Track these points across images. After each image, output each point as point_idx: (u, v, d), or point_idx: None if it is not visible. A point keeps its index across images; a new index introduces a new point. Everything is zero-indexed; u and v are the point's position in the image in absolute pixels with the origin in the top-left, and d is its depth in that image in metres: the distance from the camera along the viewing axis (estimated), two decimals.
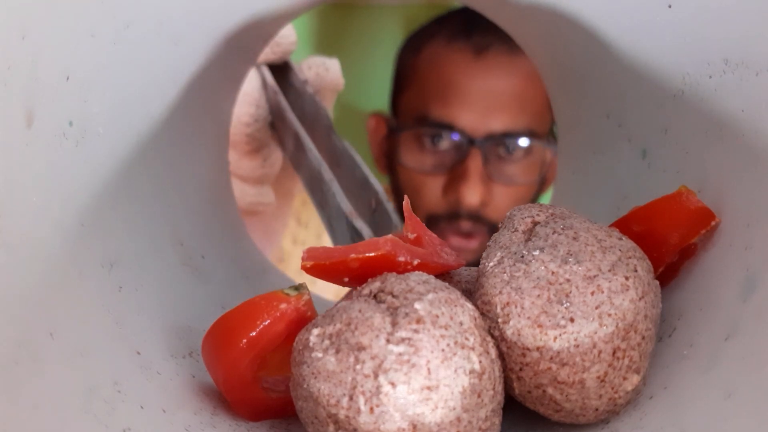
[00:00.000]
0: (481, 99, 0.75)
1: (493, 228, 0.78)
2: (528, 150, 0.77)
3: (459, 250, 0.78)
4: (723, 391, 0.30)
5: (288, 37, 0.63)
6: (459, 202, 0.76)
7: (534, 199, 0.82)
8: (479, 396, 0.30)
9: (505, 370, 0.32)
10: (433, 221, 0.79)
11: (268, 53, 0.63)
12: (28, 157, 0.30)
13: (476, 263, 0.36)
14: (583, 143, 0.53)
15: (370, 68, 1.01)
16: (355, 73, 1.03)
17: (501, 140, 0.76)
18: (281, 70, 0.65)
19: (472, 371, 0.30)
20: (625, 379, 0.32)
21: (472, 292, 0.35)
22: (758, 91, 0.33)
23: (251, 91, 0.61)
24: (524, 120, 0.76)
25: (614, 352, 0.31)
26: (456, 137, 0.76)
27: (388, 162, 0.85)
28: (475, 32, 0.77)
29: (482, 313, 0.33)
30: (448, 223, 0.78)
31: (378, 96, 0.92)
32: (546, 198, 0.89)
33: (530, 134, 0.77)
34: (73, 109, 0.33)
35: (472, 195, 0.75)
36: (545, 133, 0.80)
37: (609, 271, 0.32)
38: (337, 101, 1.01)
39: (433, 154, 0.77)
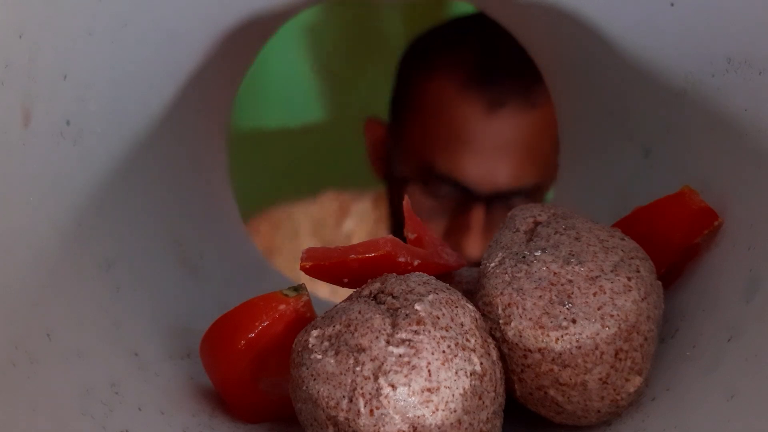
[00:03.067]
0: (490, 155, 0.72)
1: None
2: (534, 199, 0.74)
3: None
4: (726, 392, 0.30)
5: None
6: (459, 252, 0.73)
7: None
8: (480, 398, 0.30)
9: (507, 371, 0.32)
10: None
11: None
12: (25, 157, 0.30)
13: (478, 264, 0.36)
14: (585, 142, 0.53)
15: (370, 67, 1.00)
16: (354, 72, 1.02)
17: (507, 197, 0.73)
18: None
19: (473, 373, 0.30)
20: (627, 380, 0.32)
21: (473, 292, 0.35)
22: (761, 90, 0.33)
23: None
24: (532, 174, 0.73)
25: (616, 354, 0.31)
26: (460, 191, 0.73)
27: (386, 169, 0.82)
28: (491, 83, 0.71)
29: (483, 314, 0.32)
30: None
31: (377, 96, 0.91)
32: (547, 198, 0.88)
33: (536, 188, 0.74)
34: (70, 108, 0.33)
35: (474, 249, 0.72)
36: (551, 180, 0.76)
37: (611, 271, 0.32)
38: (336, 102, 1.00)
39: (434, 198, 0.75)
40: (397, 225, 0.80)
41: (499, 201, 0.73)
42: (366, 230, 0.86)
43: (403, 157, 0.77)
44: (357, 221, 0.87)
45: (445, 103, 0.73)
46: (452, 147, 0.72)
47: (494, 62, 0.71)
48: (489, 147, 0.72)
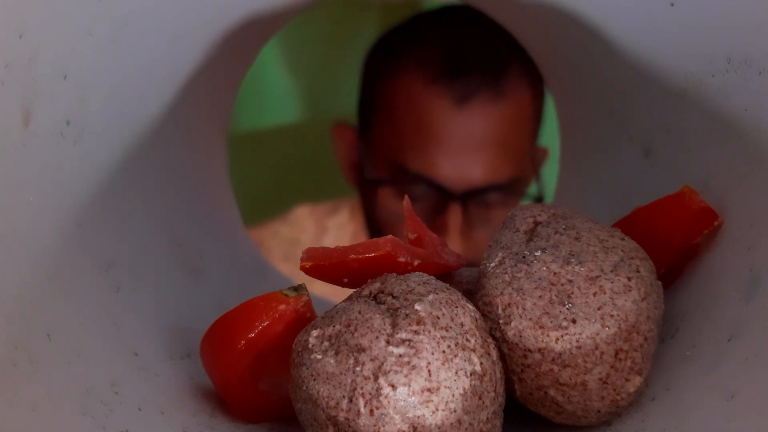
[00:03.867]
0: (462, 150, 0.70)
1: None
2: (512, 196, 0.73)
3: None
4: (726, 392, 0.30)
5: None
6: None
7: None
8: (480, 398, 0.30)
9: (507, 371, 0.32)
10: None
11: None
12: (25, 157, 0.30)
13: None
14: (585, 142, 0.53)
15: (347, 70, 0.95)
16: (331, 75, 0.98)
17: (482, 193, 0.71)
18: None
19: (473, 373, 0.30)
20: (627, 380, 0.32)
21: (473, 292, 0.35)
22: (761, 90, 0.33)
23: None
24: (508, 170, 0.71)
25: (616, 354, 0.31)
26: (435, 191, 0.70)
27: (358, 175, 0.79)
28: (459, 75, 0.70)
29: (483, 314, 0.32)
30: None
31: (352, 99, 0.85)
32: (530, 192, 0.87)
33: (513, 182, 0.72)
34: (70, 109, 0.33)
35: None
36: (530, 174, 0.75)
37: (611, 271, 0.32)
38: (312, 103, 0.96)
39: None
40: (373, 232, 0.78)
41: (475, 198, 0.71)
42: (344, 245, 0.84)
43: (374, 159, 0.75)
44: (335, 236, 0.85)
45: (413, 100, 0.71)
46: (423, 144, 0.70)
47: (460, 55, 0.70)
48: (460, 141, 0.70)
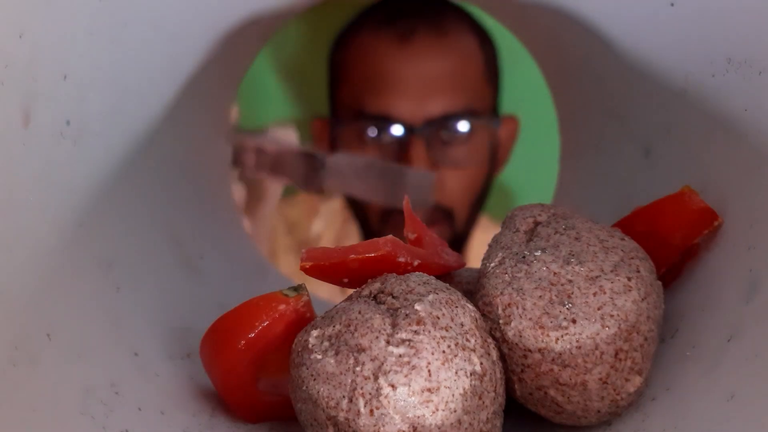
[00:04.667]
0: (414, 85, 0.75)
1: (449, 213, 0.78)
2: (472, 129, 0.76)
3: None
4: (726, 392, 0.30)
5: None
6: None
7: (488, 179, 0.81)
8: (480, 398, 0.30)
9: (507, 371, 0.32)
10: (387, 217, 0.78)
11: None
12: (25, 157, 0.30)
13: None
14: (586, 142, 0.53)
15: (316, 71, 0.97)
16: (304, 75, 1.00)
17: (441, 124, 0.75)
18: None
19: (473, 373, 0.30)
20: (627, 380, 0.32)
21: (473, 292, 0.35)
22: (761, 90, 0.33)
23: None
24: (462, 100, 0.75)
25: (616, 354, 0.31)
26: (395, 127, 0.74)
27: None
28: (399, 19, 0.76)
29: (483, 314, 0.32)
30: (402, 217, 0.73)
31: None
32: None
33: (470, 113, 0.76)
34: (70, 108, 0.33)
35: None
36: (487, 109, 0.79)
37: (611, 271, 0.32)
38: (309, 103, 0.98)
39: (375, 148, 0.76)
40: (358, 214, 0.81)
41: (436, 132, 0.75)
42: (335, 230, 0.88)
43: (339, 114, 0.80)
44: (325, 222, 0.88)
45: (363, 50, 0.77)
46: (377, 86, 0.75)
47: (400, 5, 0.77)
48: (410, 75, 0.75)
